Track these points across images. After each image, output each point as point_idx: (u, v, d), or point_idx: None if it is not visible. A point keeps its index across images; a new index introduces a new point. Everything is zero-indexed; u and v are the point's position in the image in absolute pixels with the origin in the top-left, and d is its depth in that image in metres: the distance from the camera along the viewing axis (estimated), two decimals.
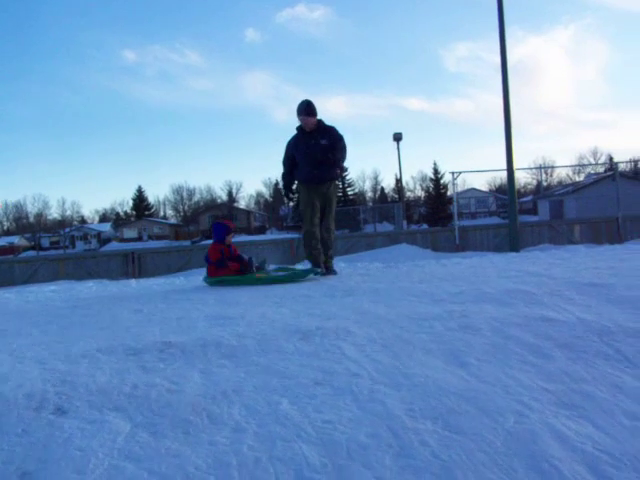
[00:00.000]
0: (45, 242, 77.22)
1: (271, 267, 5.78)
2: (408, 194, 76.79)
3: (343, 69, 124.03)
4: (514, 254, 8.13)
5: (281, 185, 6.54)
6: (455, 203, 13.47)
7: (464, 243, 13.08)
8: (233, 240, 5.99)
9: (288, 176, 6.31)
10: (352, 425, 1.96)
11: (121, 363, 2.67)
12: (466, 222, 47.25)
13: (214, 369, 2.53)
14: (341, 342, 2.85)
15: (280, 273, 5.50)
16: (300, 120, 6.02)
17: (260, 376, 2.43)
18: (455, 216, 13.53)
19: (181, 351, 2.81)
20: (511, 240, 12.12)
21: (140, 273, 11.91)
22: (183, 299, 4.51)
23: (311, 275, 5.38)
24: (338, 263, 11.98)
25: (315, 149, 5.95)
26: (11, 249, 69.48)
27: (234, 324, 3.32)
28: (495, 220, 46.47)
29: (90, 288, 6.03)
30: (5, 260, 12.59)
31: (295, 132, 6.23)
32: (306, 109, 5.93)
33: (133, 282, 6.50)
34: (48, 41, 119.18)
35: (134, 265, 12.09)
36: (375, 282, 4.82)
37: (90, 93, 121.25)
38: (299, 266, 7.47)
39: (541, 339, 2.79)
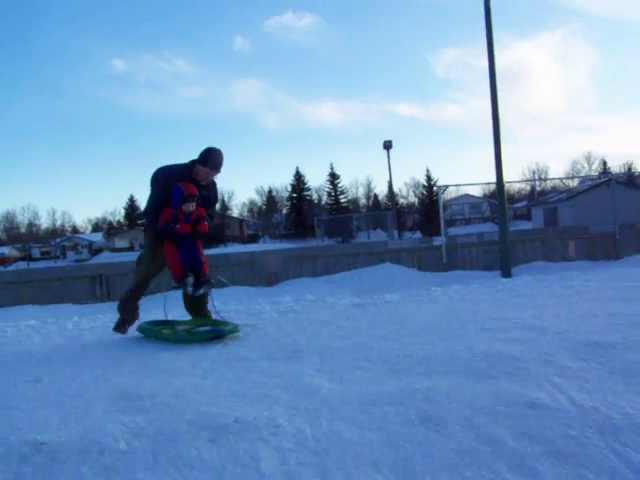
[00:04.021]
0: (36, 252, 76.13)
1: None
2: (402, 201, 75.75)
3: (333, 76, 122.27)
4: (503, 283, 7.47)
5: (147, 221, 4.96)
6: (442, 220, 12.54)
7: (452, 261, 12.24)
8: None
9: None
10: None
11: None
12: (458, 229, 46.70)
13: None
14: (260, 447, 2.15)
15: (202, 329, 4.46)
16: (202, 171, 4.68)
17: None
18: (443, 234, 12.64)
19: (49, 461, 2.12)
20: (502, 264, 11.39)
21: (109, 296, 11.16)
22: (99, 358, 3.80)
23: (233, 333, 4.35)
24: (319, 287, 11.23)
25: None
26: (2, 260, 68.53)
27: (137, 409, 2.61)
28: (489, 227, 45.73)
29: (21, 331, 5.29)
30: None
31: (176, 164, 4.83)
32: (221, 164, 4.75)
33: (71, 323, 5.71)
34: (37, 48, 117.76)
35: (102, 288, 11.35)
36: (332, 335, 4.10)
37: (80, 101, 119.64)
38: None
39: (525, 442, 2.11)
